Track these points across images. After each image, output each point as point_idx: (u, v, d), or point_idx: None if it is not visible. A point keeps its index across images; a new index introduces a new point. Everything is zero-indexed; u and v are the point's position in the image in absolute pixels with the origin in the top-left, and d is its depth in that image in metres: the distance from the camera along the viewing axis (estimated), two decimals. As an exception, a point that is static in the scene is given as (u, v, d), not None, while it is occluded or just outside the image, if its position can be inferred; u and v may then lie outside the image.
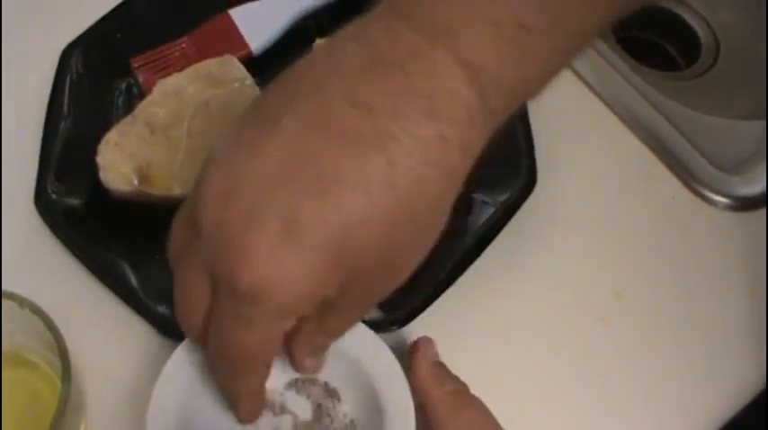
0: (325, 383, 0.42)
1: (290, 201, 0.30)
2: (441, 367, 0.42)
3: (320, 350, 0.38)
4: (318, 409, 0.41)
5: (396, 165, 0.29)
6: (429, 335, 0.43)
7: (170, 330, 0.43)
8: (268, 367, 0.36)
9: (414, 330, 0.44)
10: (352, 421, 0.41)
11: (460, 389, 0.41)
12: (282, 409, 0.42)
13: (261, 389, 0.38)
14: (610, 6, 0.32)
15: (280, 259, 0.30)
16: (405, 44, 0.30)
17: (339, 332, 0.37)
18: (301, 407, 0.42)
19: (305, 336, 0.36)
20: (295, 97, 0.31)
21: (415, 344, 0.42)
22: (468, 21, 0.29)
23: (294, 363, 0.38)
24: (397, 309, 0.44)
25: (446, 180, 0.31)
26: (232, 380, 0.36)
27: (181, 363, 0.40)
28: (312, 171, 0.30)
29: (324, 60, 0.31)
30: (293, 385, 0.42)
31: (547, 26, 0.30)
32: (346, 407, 0.41)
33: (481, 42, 0.29)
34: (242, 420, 0.39)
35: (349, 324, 0.37)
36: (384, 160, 0.29)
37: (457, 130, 0.30)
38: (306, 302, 0.32)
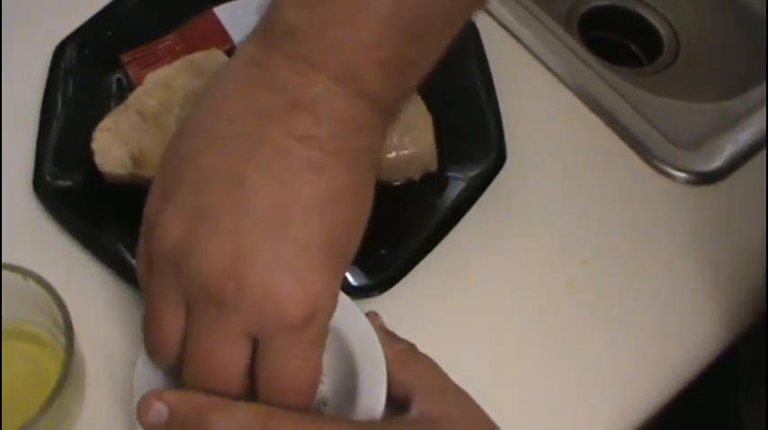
0: None
1: (288, 230, 0.34)
2: (388, 332, 0.43)
3: None
4: None
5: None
6: (406, 300, 0.46)
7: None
8: None
9: (394, 295, 0.46)
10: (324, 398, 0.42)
11: (410, 347, 0.43)
12: None
13: None
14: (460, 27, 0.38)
15: (309, 276, 0.34)
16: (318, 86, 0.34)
17: None
18: None
19: None
20: (249, 159, 0.34)
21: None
22: (364, 63, 0.34)
23: None
24: (377, 277, 0.47)
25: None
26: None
27: None
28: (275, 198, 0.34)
29: (246, 111, 0.35)
30: None
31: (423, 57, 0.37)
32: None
33: (376, 78, 0.35)
34: None
35: None
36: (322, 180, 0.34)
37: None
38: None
